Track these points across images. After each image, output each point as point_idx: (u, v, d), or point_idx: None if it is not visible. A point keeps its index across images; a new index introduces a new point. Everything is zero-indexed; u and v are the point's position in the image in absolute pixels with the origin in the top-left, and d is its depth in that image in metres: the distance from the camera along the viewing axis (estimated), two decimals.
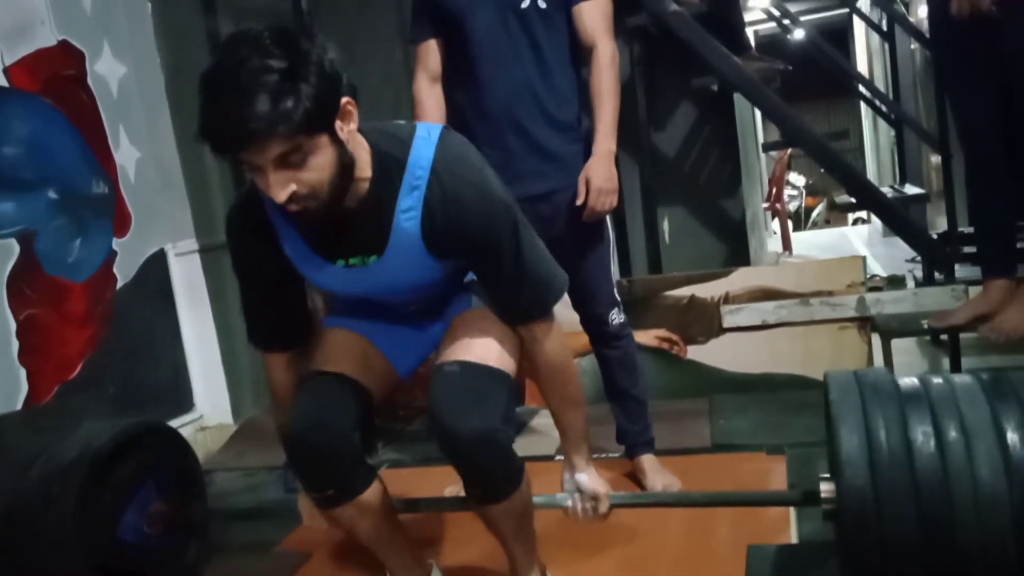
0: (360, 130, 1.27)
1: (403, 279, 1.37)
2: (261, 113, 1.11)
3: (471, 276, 1.49)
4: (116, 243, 2.73)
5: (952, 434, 1.19)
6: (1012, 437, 1.16)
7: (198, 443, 2.69)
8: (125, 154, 2.80)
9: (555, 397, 1.52)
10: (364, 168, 1.28)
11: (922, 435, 1.19)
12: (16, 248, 2.37)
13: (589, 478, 1.56)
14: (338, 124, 1.20)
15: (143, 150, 2.86)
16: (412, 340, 1.55)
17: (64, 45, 2.61)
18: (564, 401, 1.52)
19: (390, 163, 1.29)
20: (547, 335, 1.44)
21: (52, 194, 2.51)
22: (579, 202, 1.93)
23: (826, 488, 1.35)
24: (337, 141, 1.20)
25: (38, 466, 1.71)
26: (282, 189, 1.17)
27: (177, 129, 2.96)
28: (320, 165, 1.19)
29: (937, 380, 1.30)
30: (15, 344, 2.33)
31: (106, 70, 2.77)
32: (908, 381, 1.31)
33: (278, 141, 1.13)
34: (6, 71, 2.41)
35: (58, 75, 2.59)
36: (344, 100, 1.20)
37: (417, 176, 1.29)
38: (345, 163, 1.23)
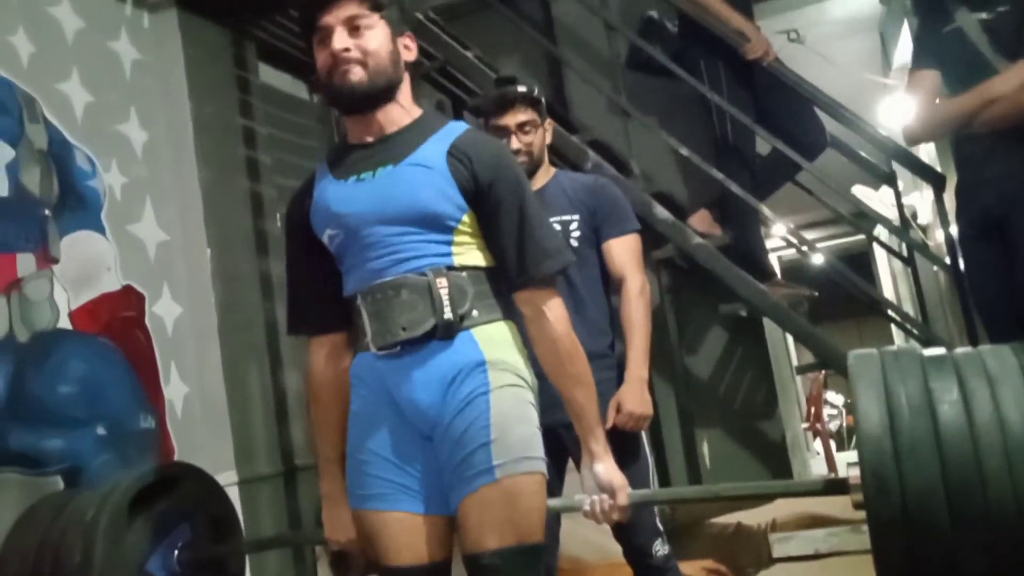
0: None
1: (407, 185, 1.45)
2: None
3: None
4: None
5: (977, 385, 1.07)
6: None
7: None
8: (174, 389, 2.90)
9: (562, 376, 1.49)
10: (410, 106, 1.55)
11: (947, 403, 1.08)
12: (60, 485, 2.40)
13: (605, 469, 1.49)
14: (399, 39, 1.52)
15: (191, 385, 2.96)
16: (434, 474, 1.48)
17: (127, 289, 2.80)
18: (571, 380, 1.48)
19: (433, 116, 1.57)
20: (550, 308, 1.48)
21: (101, 430, 2.58)
22: (608, 425, 1.94)
23: (853, 474, 1.24)
24: (395, 44, 1.50)
25: (75, 502, 1.74)
26: (341, 39, 1.45)
27: (225, 364, 3.07)
28: (377, 40, 1.47)
29: (964, 349, 1.21)
30: None
31: (164, 311, 2.93)
32: (933, 350, 1.23)
33: (355, 3, 1.45)
34: (70, 315, 2.56)
35: (119, 316, 2.74)
36: (408, 33, 1.55)
37: (451, 130, 1.52)
38: (396, 65, 1.50)
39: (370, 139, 1.52)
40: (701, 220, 3.46)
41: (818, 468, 6.43)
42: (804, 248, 4.86)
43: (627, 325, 2.05)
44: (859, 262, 7.90)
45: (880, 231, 5.56)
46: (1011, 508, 1.01)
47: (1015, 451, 1.03)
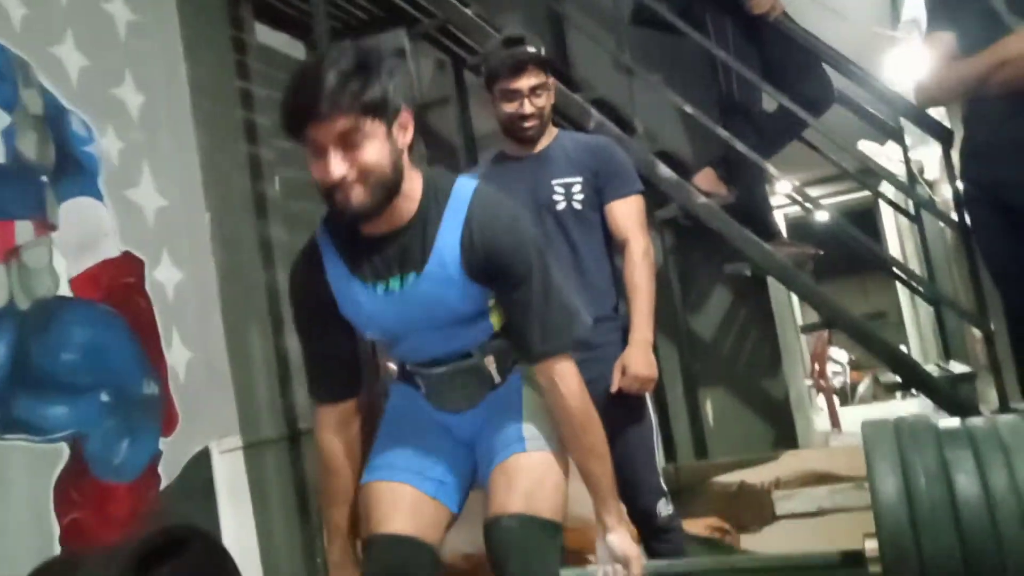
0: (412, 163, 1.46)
1: (436, 301, 1.44)
2: (332, 88, 1.31)
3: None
4: (162, 443, 2.76)
5: (992, 456, 1.08)
6: None
7: None
8: (176, 354, 2.89)
9: (576, 447, 1.50)
10: (414, 190, 1.44)
11: (963, 472, 1.09)
12: (66, 452, 2.41)
13: (619, 539, 1.50)
14: (395, 129, 1.38)
15: (194, 350, 2.96)
16: (455, 470, 1.57)
17: (126, 255, 2.78)
18: (585, 451, 1.49)
19: (437, 191, 1.46)
20: (563, 380, 1.47)
21: (104, 396, 2.58)
22: (613, 390, 1.94)
23: (870, 546, 1.23)
24: (392, 141, 1.37)
25: (86, 562, 1.71)
26: (338, 167, 1.33)
27: (227, 329, 3.07)
28: (375, 151, 1.35)
29: (979, 420, 1.21)
30: (58, 550, 2.32)
31: (164, 276, 2.92)
32: (948, 422, 1.23)
33: (343, 117, 1.31)
34: (70, 282, 2.55)
35: (119, 283, 2.73)
36: (404, 110, 1.40)
37: (459, 200, 1.44)
38: (396, 165, 1.38)
39: (380, 232, 1.46)
40: (706, 179, 3.42)
41: (821, 424, 6.46)
42: (809, 205, 4.82)
43: (631, 288, 2.03)
44: (865, 219, 7.85)
45: (886, 188, 5.51)
46: None
47: None
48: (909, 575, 1.09)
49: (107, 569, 1.64)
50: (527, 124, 2.08)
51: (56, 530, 2.33)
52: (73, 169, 2.63)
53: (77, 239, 2.60)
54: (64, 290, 2.53)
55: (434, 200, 1.45)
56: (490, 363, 1.55)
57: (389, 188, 1.38)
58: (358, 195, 1.35)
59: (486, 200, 1.45)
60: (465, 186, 1.46)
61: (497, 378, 1.56)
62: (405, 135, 1.41)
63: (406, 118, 1.41)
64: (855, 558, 1.33)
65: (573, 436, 1.50)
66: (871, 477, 1.17)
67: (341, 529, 1.57)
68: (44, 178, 2.51)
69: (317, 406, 1.58)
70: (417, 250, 1.43)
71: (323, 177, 1.35)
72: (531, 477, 1.46)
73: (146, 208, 2.89)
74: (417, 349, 1.56)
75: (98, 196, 2.71)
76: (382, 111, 1.35)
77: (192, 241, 3.04)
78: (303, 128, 1.34)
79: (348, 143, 1.33)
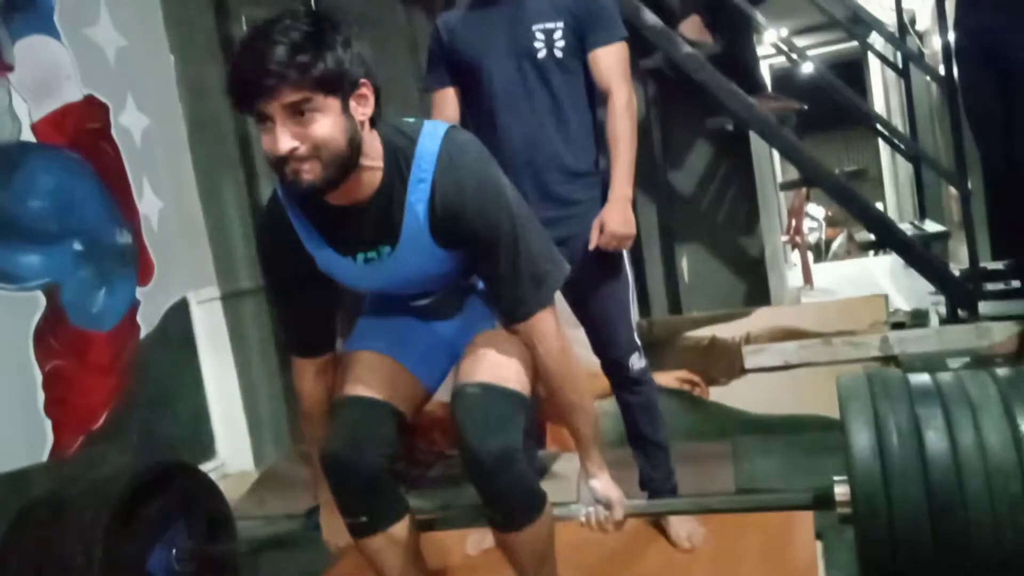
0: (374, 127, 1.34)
1: (416, 269, 1.42)
2: (279, 58, 1.20)
3: None
4: (139, 292, 2.76)
5: (961, 413, 1.17)
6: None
7: None
8: (148, 204, 2.85)
9: (558, 402, 1.53)
10: (375, 159, 1.35)
11: (932, 430, 1.17)
12: (42, 300, 2.40)
13: (602, 484, 1.55)
14: (352, 103, 1.28)
15: (166, 200, 2.91)
16: (434, 354, 1.59)
17: (89, 99, 2.67)
18: (567, 405, 1.52)
19: (399, 157, 1.36)
20: (544, 338, 1.46)
21: (77, 245, 2.55)
22: (591, 247, 1.93)
23: (840, 491, 1.33)
24: (348, 116, 1.27)
25: (73, 501, 1.73)
26: (286, 140, 1.23)
27: (199, 178, 3.01)
28: (327, 127, 1.24)
29: (948, 375, 1.29)
30: (41, 396, 2.36)
31: (130, 122, 2.82)
32: (919, 377, 1.30)
33: (289, 88, 1.21)
34: (32, 127, 2.46)
35: (83, 128, 2.64)
36: (362, 82, 1.28)
37: (423, 169, 1.35)
38: (353, 141, 1.29)
39: (346, 204, 1.36)
40: (692, 27, 3.29)
41: (794, 280, 6.57)
42: (795, 56, 4.69)
43: (612, 141, 1.98)
44: (851, 71, 7.69)
45: (875, 40, 5.36)
46: (988, 528, 1.10)
47: (994, 474, 1.11)
48: (879, 523, 1.16)
49: (96, 510, 1.66)
50: None
51: (38, 377, 2.37)
52: (25, 4, 2.48)
53: (36, 80, 2.49)
54: (27, 135, 2.44)
55: (398, 168, 1.36)
56: (474, 280, 1.55)
57: (344, 164, 1.28)
58: (310, 172, 1.25)
59: (451, 164, 1.36)
60: (429, 147, 1.36)
61: (480, 286, 1.55)
62: (364, 107, 1.30)
63: (364, 89, 1.29)
64: (825, 501, 1.39)
65: (553, 392, 1.51)
66: (846, 430, 1.22)
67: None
68: None
69: (295, 359, 1.55)
70: (387, 223, 1.37)
71: (271, 150, 1.25)
72: (497, 349, 1.47)
73: (106, 48, 2.75)
74: (402, 292, 1.55)
75: (55, 34, 2.57)
76: (335, 86, 1.24)
77: (157, 85, 2.92)
78: (251, 101, 1.23)
79: (298, 117, 1.23)
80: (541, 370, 1.49)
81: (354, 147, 1.28)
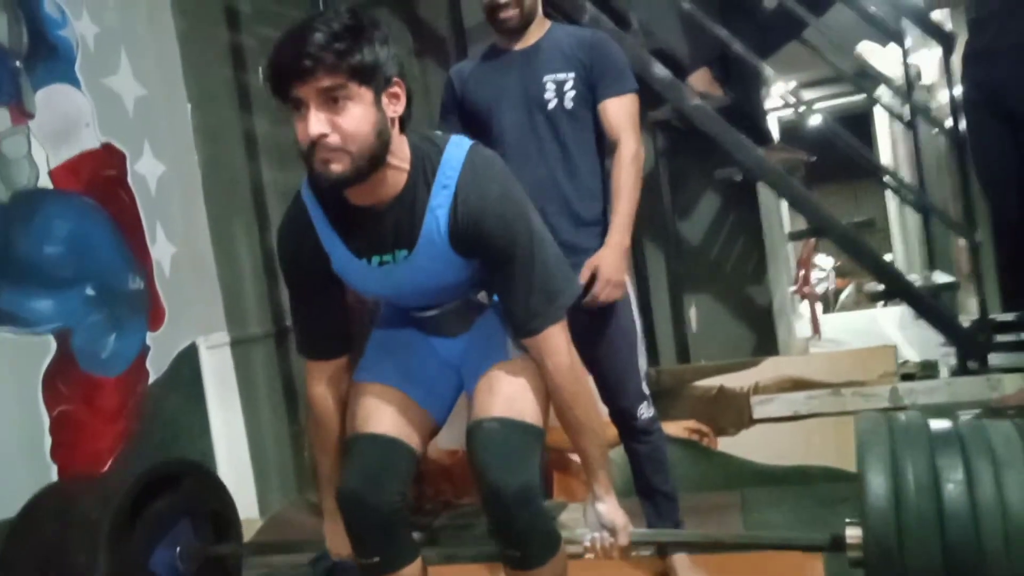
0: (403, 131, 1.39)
1: (429, 276, 1.44)
2: (317, 42, 1.24)
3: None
4: (150, 337, 2.77)
5: (982, 467, 1.13)
6: None
7: None
8: (161, 249, 2.87)
9: (566, 420, 1.52)
10: (402, 160, 1.38)
11: (952, 483, 1.13)
12: (53, 345, 2.41)
13: (608, 508, 1.54)
14: (385, 99, 1.32)
15: (178, 245, 2.93)
16: (440, 384, 1.60)
17: (107, 147, 2.71)
18: (575, 425, 1.51)
19: (425, 162, 1.40)
20: (553, 353, 1.46)
21: (89, 290, 2.57)
22: (581, 281, 1.91)
23: (852, 534, 1.29)
24: (380, 110, 1.31)
25: (78, 500, 1.75)
26: (318, 124, 1.27)
27: (212, 224, 3.04)
28: (358, 117, 1.28)
29: (970, 422, 1.25)
30: (48, 440, 2.35)
31: (146, 169, 2.86)
32: (939, 423, 1.26)
33: (325, 72, 1.25)
34: (50, 173, 2.50)
35: (100, 175, 2.68)
36: (395, 80, 1.34)
37: (448, 175, 1.39)
38: (382, 135, 1.32)
39: (370, 204, 1.40)
40: (701, 79, 3.33)
41: (802, 330, 6.55)
42: (803, 109, 4.75)
43: (616, 190, 2.00)
44: (858, 124, 7.75)
45: (883, 93, 5.42)
46: None
47: (1015, 535, 1.06)
48: (891, 571, 1.13)
49: (104, 505, 1.65)
50: (503, 15, 1.98)
51: (46, 421, 2.36)
52: (48, 54, 2.54)
53: (56, 128, 2.53)
54: (44, 182, 2.48)
55: (423, 172, 1.39)
56: (481, 296, 1.56)
57: (372, 158, 1.31)
58: (338, 164, 1.29)
59: (475, 174, 1.39)
60: (455, 155, 1.40)
61: (487, 301, 1.58)
62: (396, 106, 1.35)
63: (397, 87, 1.34)
64: (838, 543, 1.36)
65: (562, 411, 1.51)
66: (862, 473, 1.19)
67: (333, 480, 1.57)
68: (18, 63, 2.42)
69: (307, 361, 1.57)
70: (407, 227, 1.39)
71: (303, 135, 1.28)
72: (514, 382, 1.48)
73: (125, 97, 2.80)
74: (411, 302, 1.56)
75: (75, 83, 2.62)
76: (369, 76, 1.29)
77: (174, 133, 2.97)
78: (287, 85, 1.27)
79: (331, 104, 1.27)
80: (550, 387, 1.49)
81: (383, 142, 1.32)
